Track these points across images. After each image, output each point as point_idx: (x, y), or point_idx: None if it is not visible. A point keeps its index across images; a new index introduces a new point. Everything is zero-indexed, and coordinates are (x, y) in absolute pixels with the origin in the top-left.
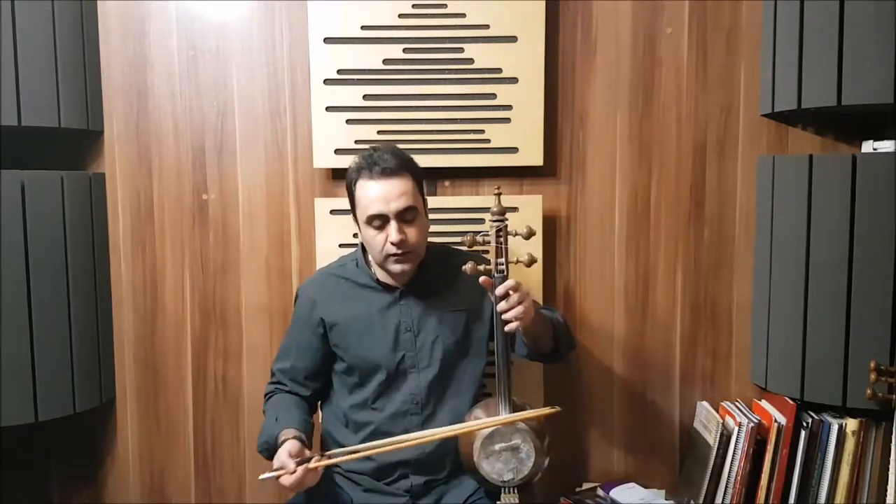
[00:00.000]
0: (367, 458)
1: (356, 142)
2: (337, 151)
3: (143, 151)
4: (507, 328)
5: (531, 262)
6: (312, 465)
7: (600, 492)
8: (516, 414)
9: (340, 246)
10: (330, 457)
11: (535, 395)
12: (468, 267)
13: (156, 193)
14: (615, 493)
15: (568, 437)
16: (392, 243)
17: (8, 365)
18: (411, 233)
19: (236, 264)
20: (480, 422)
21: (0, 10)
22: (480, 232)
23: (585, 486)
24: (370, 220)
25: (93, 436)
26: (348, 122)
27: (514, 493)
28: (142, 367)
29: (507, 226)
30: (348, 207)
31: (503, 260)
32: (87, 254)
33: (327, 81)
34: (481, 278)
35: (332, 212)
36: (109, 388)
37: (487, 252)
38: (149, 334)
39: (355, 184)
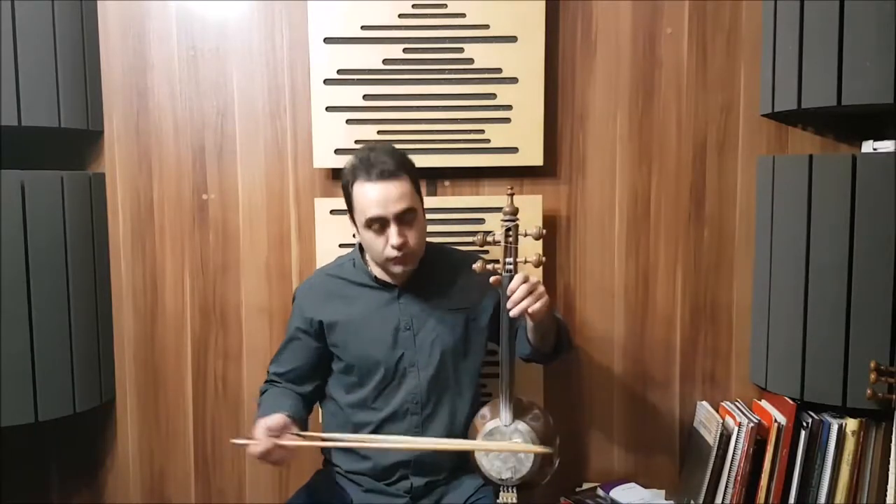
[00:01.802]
0: (366, 457)
1: (356, 142)
2: (337, 151)
3: (143, 151)
4: (519, 311)
5: (539, 262)
6: (282, 441)
7: (600, 492)
8: (505, 444)
9: (340, 246)
10: (305, 438)
11: (535, 395)
12: (478, 265)
13: (156, 193)
14: (615, 493)
15: (568, 437)
16: (393, 246)
17: (8, 365)
18: (411, 235)
19: (236, 264)
20: (472, 442)
21: (0, 10)
22: (490, 232)
23: (585, 486)
24: (369, 223)
25: (93, 436)
26: (348, 122)
27: (512, 492)
28: (142, 367)
29: (517, 226)
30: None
31: (511, 259)
32: (87, 254)
33: (327, 81)
34: (492, 278)
35: (332, 212)
36: (109, 388)
37: (485, 252)
38: (149, 334)
39: (352, 185)
